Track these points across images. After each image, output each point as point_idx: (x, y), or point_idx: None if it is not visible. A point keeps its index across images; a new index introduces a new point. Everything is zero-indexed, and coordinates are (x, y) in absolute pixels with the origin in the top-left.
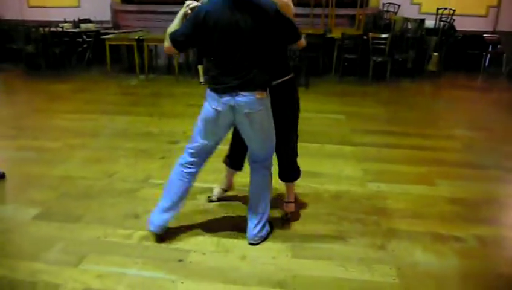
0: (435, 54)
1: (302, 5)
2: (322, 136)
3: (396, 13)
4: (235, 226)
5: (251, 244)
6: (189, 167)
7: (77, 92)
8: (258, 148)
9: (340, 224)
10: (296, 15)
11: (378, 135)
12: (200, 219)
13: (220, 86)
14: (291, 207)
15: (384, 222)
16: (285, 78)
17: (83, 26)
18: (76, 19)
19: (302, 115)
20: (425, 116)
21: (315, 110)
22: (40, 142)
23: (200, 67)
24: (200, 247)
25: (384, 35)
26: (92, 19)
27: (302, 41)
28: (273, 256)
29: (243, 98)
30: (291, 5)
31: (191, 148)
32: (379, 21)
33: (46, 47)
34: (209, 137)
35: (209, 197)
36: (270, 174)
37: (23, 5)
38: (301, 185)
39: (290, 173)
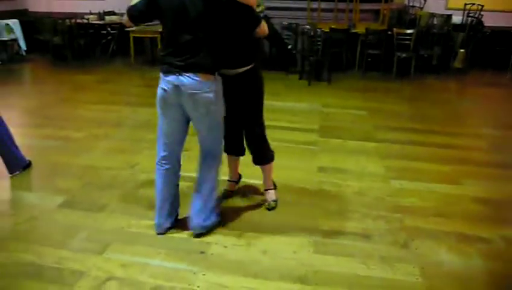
0: (462, 50)
1: (326, 0)
2: (344, 132)
3: (422, 8)
4: (257, 220)
5: (196, 236)
6: (164, 165)
7: (101, 83)
8: (205, 135)
9: (363, 221)
10: (321, 9)
11: (402, 132)
12: (222, 211)
13: (165, 66)
14: (271, 194)
15: (407, 220)
16: (246, 68)
17: (108, 18)
18: (102, 11)
19: (324, 110)
20: (450, 114)
21: (337, 106)
22: (66, 132)
23: None
24: (221, 240)
25: (409, 31)
26: (116, 11)
27: (263, 28)
28: (294, 251)
29: (186, 78)
30: None
31: (159, 145)
32: (404, 16)
33: (72, 38)
34: (163, 122)
35: (225, 190)
36: (217, 166)
37: None
38: (323, 181)
39: (261, 157)
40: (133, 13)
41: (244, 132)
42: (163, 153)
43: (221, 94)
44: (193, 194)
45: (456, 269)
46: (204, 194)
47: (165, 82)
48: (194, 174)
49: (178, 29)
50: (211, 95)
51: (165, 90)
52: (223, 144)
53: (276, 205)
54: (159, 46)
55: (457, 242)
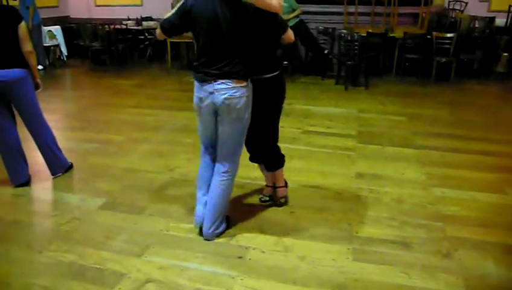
0: (505, 54)
1: (363, 3)
2: (382, 137)
3: (462, 11)
4: (293, 225)
5: (207, 240)
6: (206, 155)
7: (139, 88)
8: (226, 140)
9: (403, 229)
10: (358, 13)
11: (442, 138)
12: (259, 216)
13: (200, 75)
14: (282, 191)
15: (450, 229)
16: (272, 74)
17: (145, 24)
18: (139, 17)
19: (361, 115)
20: (492, 120)
21: (375, 111)
22: (105, 135)
23: None
24: (259, 245)
25: (449, 35)
26: (153, 17)
27: (289, 35)
28: (333, 258)
29: (222, 85)
30: (281, 4)
31: (202, 142)
32: (444, 19)
33: (110, 44)
34: (201, 127)
35: (260, 198)
36: (231, 180)
37: (91, 4)
38: (361, 187)
39: (275, 163)
40: (166, 26)
41: (259, 138)
42: (204, 147)
43: (251, 101)
44: (207, 200)
45: (503, 282)
46: (218, 211)
47: (201, 90)
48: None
49: (211, 40)
50: (243, 100)
51: (200, 98)
52: (240, 154)
53: (285, 201)
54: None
55: (503, 254)
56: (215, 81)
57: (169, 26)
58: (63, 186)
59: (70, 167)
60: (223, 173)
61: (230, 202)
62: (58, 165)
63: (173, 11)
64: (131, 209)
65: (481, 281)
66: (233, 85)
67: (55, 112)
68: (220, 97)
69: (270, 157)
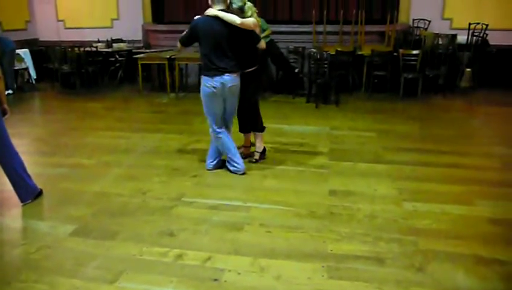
0: (468, 69)
1: (331, 23)
2: (353, 154)
3: (426, 29)
4: (268, 245)
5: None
6: (220, 129)
7: (110, 110)
8: (232, 111)
9: (377, 244)
10: (327, 32)
11: (412, 153)
12: (234, 237)
13: (212, 71)
14: (258, 154)
15: (422, 243)
16: (253, 68)
17: (116, 45)
18: (110, 39)
19: (333, 132)
20: (459, 133)
21: (346, 128)
22: (75, 159)
23: None
24: (235, 266)
25: (415, 52)
26: (124, 38)
27: (262, 44)
28: (308, 277)
29: (228, 76)
30: (256, 24)
31: (213, 122)
32: (409, 37)
33: (80, 66)
34: (214, 107)
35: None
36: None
37: (60, 26)
38: (334, 205)
39: (255, 124)
40: (183, 40)
41: (244, 108)
42: (216, 124)
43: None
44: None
45: None
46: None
47: (213, 81)
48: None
49: (215, 48)
50: (238, 84)
51: (214, 87)
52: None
53: (259, 158)
54: (167, 73)
55: (474, 265)
56: (223, 74)
57: (186, 40)
58: (32, 214)
59: (40, 193)
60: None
61: (206, 225)
62: (27, 192)
63: (187, 30)
64: (103, 235)
65: None
66: (234, 76)
67: (24, 137)
68: (228, 85)
69: (251, 118)
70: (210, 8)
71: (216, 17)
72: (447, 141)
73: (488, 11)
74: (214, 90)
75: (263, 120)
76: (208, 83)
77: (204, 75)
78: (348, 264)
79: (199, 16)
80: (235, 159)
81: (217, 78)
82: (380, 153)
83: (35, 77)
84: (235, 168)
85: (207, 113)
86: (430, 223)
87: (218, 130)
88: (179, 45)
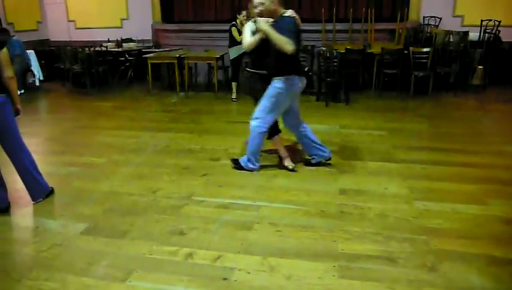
0: (480, 67)
1: (340, 21)
2: (364, 153)
3: (437, 26)
4: (278, 244)
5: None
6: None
7: (120, 109)
8: (298, 109)
9: (388, 244)
10: (336, 31)
11: (423, 152)
12: (244, 237)
13: (301, 70)
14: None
15: (434, 242)
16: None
17: (126, 45)
18: (119, 39)
19: (343, 131)
20: (471, 131)
21: (356, 127)
22: (86, 158)
23: (233, 84)
24: (245, 266)
25: (425, 49)
26: (134, 38)
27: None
28: (319, 276)
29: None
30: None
31: (272, 119)
32: (420, 35)
33: (91, 66)
34: (286, 106)
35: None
36: None
37: (71, 26)
38: (345, 204)
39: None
40: (294, 42)
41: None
42: (274, 121)
43: None
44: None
45: None
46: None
47: (301, 81)
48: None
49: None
50: None
51: (301, 86)
52: None
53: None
54: (176, 72)
55: (487, 265)
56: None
57: (295, 41)
58: (43, 212)
59: (51, 191)
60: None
61: (216, 224)
62: (39, 190)
63: (290, 31)
64: (113, 234)
65: None
66: None
67: (35, 136)
68: (304, 83)
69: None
70: (290, 10)
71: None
72: (458, 140)
73: (500, 8)
74: (299, 90)
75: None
76: (299, 83)
77: (296, 74)
78: (359, 263)
79: (288, 15)
80: (257, 159)
81: (303, 78)
82: (391, 151)
83: (41, 78)
84: (253, 167)
85: (275, 112)
86: (441, 222)
87: (266, 128)
88: (292, 47)
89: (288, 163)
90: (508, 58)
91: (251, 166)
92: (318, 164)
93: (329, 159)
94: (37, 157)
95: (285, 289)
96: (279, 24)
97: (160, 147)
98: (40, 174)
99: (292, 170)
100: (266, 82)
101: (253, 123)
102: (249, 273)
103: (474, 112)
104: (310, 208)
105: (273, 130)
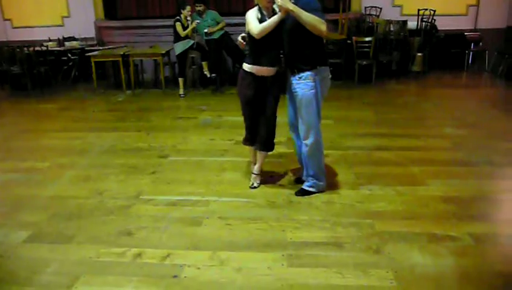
0: (419, 54)
1: None
2: None
3: (378, 16)
4: (227, 238)
5: None
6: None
7: (64, 111)
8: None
9: (335, 230)
10: None
11: (368, 138)
12: (193, 232)
13: (327, 60)
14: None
15: (378, 225)
16: None
17: (68, 44)
18: (61, 37)
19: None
20: (413, 116)
21: None
22: (29, 163)
23: (180, 80)
24: (194, 261)
25: (367, 39)
26: (76, 36)
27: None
28: (268, 266)
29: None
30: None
31: (319, 129)
32: (362, 25)
33: (31, 67)
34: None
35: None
36: None
37: (7, 25)
38: (292, 193)
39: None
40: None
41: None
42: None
43: None
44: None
45: (429, 270)
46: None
47: (327, 71)
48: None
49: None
50: None
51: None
52: None
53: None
54: (121, 70)
55: (428, 243)
56: None
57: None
58: None
59: None
60: None
61: (165, 222)
62: None
63: (319, 11)
64: (59, 239)
65: (409, 271)
66: None
67: None
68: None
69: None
70: None
71: None
72: (401, 125)
73: None
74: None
75: (221, 114)
76: (327, 75)
77: (324, 64)
78: (308, 251)
79: None
80: (324, 173)
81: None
82: (337, 140)
83: None
84: (323, 184)
85: (319, 116)
86: (385, 205)
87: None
88: (324, 27)
89: (255, 171)
90: (444, 46)
91: (322, 183)
92: (308, 192)
93: (323, 190)
94: None
95: (236, 281)
96: (301, 2)
97: (106, 147)
98: None
99: (252, 186)
100: (264, 86)
101: (308, 142)
102: (198, 268)
103: (416, 97)
104: (259, 200)
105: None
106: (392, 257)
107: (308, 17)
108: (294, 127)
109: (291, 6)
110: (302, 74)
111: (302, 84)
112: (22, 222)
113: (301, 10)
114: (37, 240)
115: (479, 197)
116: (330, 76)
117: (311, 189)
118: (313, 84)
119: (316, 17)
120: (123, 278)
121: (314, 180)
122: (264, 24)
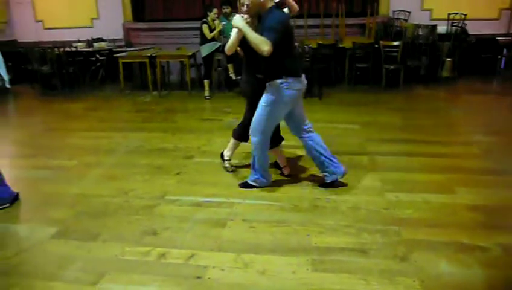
0: (449, 59)
1: (312, 16)
2: (337, 146)
3: (406, 20)
4: (252, 240)
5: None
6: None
7: (91, 110)
8: (302, 111)
9: (360, 236)
10: (307, 26)
11: (395, 144)
12: (218, 234)
13: (299, 71)
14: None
15: (405, 233)
16: None
17: (96, 45)
18: (90, 39)
19: (316, 125)
20: (441, 123)
21: (329, 121)
22: (57, 161)
23: (206, 82)
24: (218, 263)
25: (395, 43)
26: (104, 38)
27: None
28: (293, 271)
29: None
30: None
31: (269, 132)
32: (390, 29)
33: (60, 67)
34: (282, 115)
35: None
36: None
37: (39, 27)
38: (319, 198)
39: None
40: (276, 41)
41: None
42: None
43: None
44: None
45: (456, 280)
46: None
47: (300, 83)
48: None
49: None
50: None
51: (299, 89)
52: None
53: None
54: (148, 71)
55: (455, 252)
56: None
57: (279, 40)
58: (11, 218)
59: (16, 197)
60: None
61: (189, 223)
62: (3, 197)
63: (274, 29)
64: (84, 237)
65: (436, 281)
66: None
67: (3, 140)
68: (304, 84)
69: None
70: None
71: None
72: (428, 131)
73: (466, 1)
74: (300, 93)
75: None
76: (297, 86)
77: (293, 76)
78: (332, 256)
79: (277, 10)
80: (268, 174)
81: (302, 78)
82: (364, 144)
83: (7, 80)
84: (265, 181)
85: (271, 123)
86: (412, 212)
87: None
88: (267, 48)
89: (287, 172)
90: (475, 50)
91: (263, 180)
92: (332, 184)
93: (344, 175)
94: (5, 162)
95: (259, 284)
96: (263, 19)
97: (132, 147)
98: (2, 179)
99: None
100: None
101: (253, 139)
102: (222, 270)
103: (444, 103)
104: (283, 203)
105: (274, 139)
106: (419, 266)
107: (251, 37)
108: (296, 129)
109: (241, 25)
110: (271, 82)
111: (269, 89)
112: (49, 218)
113: (249, 30)
114: (63, 237)
115: (508, 206)
116: (300, 86)
117: (253, 183)
118: (275, 91)
119: (261, 37)
120: (147, 277)
121: (258, 176)
122: (229, 42)
